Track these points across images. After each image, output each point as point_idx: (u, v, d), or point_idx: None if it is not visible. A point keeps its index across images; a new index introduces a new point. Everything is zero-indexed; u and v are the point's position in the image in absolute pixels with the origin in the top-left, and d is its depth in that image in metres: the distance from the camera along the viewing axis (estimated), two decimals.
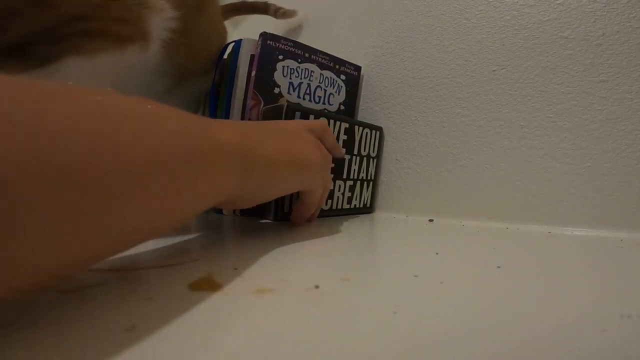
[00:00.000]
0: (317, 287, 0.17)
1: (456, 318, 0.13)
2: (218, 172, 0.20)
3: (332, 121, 0.43)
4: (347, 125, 0.45)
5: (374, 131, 0.50)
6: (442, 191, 0.46)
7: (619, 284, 0.18)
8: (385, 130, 0.54)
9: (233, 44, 0.47)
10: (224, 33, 0.52)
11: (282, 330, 0.12)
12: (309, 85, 0.47)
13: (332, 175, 0.45)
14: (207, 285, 0.17)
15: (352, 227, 0.37)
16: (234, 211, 0.46)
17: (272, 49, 0.44)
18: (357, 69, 0.54)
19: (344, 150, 0.44)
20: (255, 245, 0.27)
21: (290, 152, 0.28)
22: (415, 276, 0.19)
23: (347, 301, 0.15)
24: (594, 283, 0.18)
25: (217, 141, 0.20)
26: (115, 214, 0.13)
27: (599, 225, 0.33)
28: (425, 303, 0.15)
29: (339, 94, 0.51)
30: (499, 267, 0.21)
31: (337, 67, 0.51)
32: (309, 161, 0.30)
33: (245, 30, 0.95)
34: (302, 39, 0.74)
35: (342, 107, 0.52)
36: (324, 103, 0.50)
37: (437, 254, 0.24)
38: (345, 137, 0.45)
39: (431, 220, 0.44)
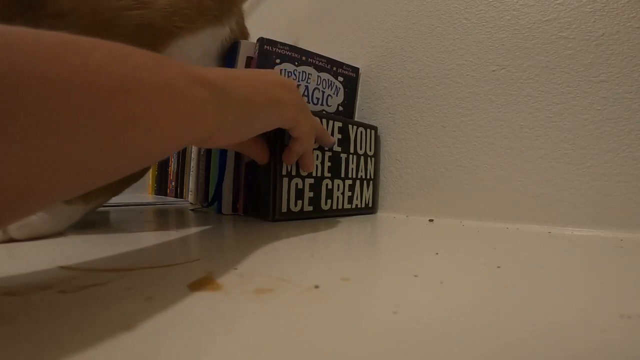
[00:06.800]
0: (317, 287, 0.17)
1: (456, 318, 0.13)
2: (192, 105, 0.20)
3: (324, 120, 0.43)
4: (340, 124, 0.46)
5: (368, 130, 0.50)
6: (442, 191, 0.46)
7: (619, 284, 0.18)
8: (385, 130, 0.54)
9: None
10: None
11: (282, 330, 0.12)
12: (306, 87, 0.48)
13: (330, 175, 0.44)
14: (207, 285, 0.17)
15: (352, 227, 0.37)
16: (237, 211, 0.46)
17: (269, 53, 0.45)
18: (355, 70, 0.54)
19: (334, 138, 0.45)
20: (255, 245, 0.27)
21: (264, 90, 0.29)
22: (415, 276, 0.19)
23: (347, 301, 0.15)
24: (594, 283, 0.18)
25: (191, 77, 0.20)
26: (54, 146, 0.13)
27: (599, 225, 0.33)
28: (425, 303, 0.15)
29: (337, 95, 0.52)
30: (499, 267, 0.21)
31: (334, 69, 0.51)
32: (283, 97, 0.31)
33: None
34: (303, 38, 0.74)
35: (341, 109, 0.52)
36: (322, 105, 0.50)
37: (437, 254, 0.24)
38: (340, 136, 0.45)
39: (431, 220, 0.44)
